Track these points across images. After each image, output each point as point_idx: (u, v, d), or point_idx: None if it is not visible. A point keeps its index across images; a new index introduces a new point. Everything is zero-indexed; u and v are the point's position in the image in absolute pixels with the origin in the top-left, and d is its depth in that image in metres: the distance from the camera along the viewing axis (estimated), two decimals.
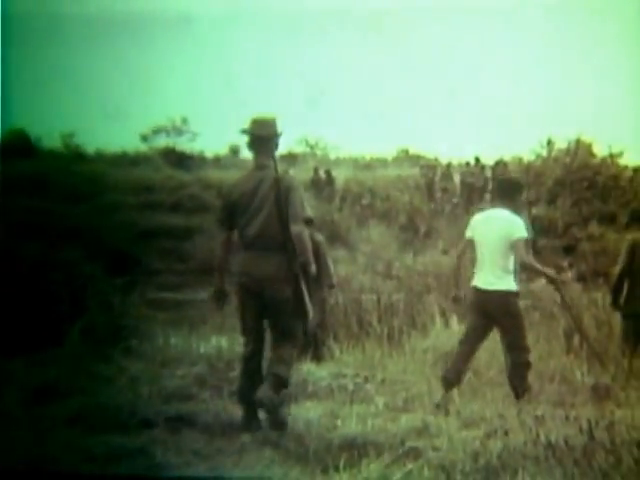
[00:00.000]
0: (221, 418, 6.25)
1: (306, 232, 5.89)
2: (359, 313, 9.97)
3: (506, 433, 5.49)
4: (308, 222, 5.95)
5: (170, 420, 6.18)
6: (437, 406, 6.60)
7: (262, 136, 6.05)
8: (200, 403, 6.73)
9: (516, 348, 6.77)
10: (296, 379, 7.27)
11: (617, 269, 8.10)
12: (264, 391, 5.93)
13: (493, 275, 6.75)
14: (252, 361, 6.13)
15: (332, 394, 7.02)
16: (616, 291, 8.17)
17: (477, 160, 19.77)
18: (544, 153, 19.59)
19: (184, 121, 19.67)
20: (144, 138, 19.79)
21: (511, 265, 6.78)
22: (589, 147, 19.14)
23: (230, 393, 6.80)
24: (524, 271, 7.28)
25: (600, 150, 18.91)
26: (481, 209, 7.42)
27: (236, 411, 6.30)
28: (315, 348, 8.66)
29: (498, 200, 7.04)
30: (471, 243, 6.92)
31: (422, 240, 15.82)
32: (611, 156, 18.87)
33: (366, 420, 6.28)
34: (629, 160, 19.09)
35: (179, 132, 19.79)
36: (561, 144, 19.28)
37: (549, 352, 7.97)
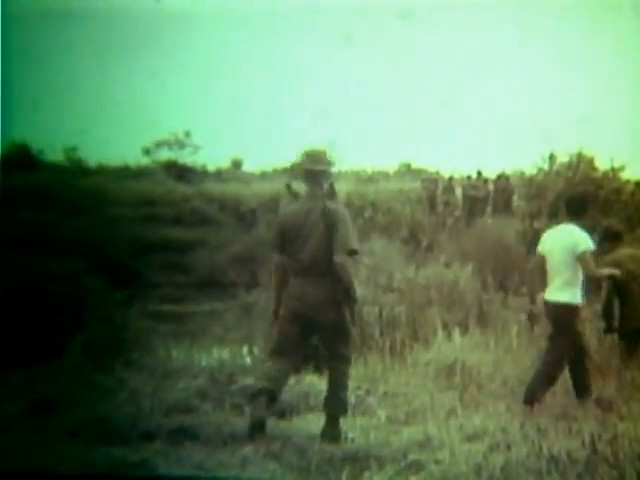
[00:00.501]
0: (223, 431, 6.23)
1: (349, 262, 6.12)
2: (361, 326, 9.92)
3: (509, 446, 5.47)
4: (352, 253, 6.17)
5: (171, 433, 6.17)
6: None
7: (314, 170, 6.31)
8: (202, 415, 6.72)
9: (577, 358, 7.01)
10: (298, 391, 7.27)
11: (603, 294, 8.04)
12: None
13: (558, 288, 6.95)
14: (284, 379, 6.30)
15: None
16: (607, 316, 8.08)
17: (479, 174, 19.78)
18: (546, 167, 19.57)
19: (186, 134, 19.69)
20: (146, 151, 19.81)
21: (578, 278, 6.95)
22: (591, 161, 19.10)
23: (232, 406, 6.78)
24: (590, 282, 7.39)
25: (602, 164, 18.89)
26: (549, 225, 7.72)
27: (238, 423, 6.28)
28: (317, 360, 8.63)
29: (567, 215, 7.20)
30: (542, 258, 7.11)
31: (424, 253, 15.78)
32: (613, 170, 18.83)
33: (368, 433, 6.27)
34: (631, 174, 19.09)
35: (181, 145, 19.82)
36: (563, 158, 19.25)
37: None
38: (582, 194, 8.14)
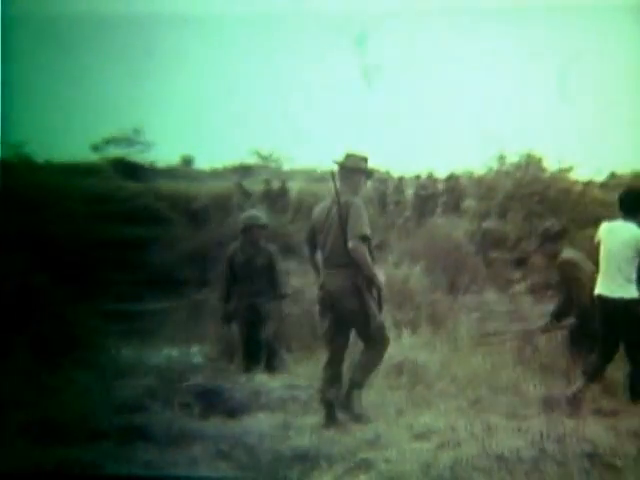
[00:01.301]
0: (172, 430, 6.20)
1: (363, 248, 6.43)
2: (312, 324, 9.96)
3: (457, 445, 5.52)
4: (364, 239, 6.46)
5: (121, 432, 6.13)
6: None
7: (353, 169, 6.70)
8: (151, 414, 6.68)
9: (634, 353, 7.10)
10: (248, 390, 7.26)
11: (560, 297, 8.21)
12: (332, 393, 6.58)
13: (615, 283, 7.06)
14: (330, 367, 6.70)
15: (285, 405, 7.01)
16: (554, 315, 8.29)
17: (429, 174, 19.89)
18: (495, 167, 19.75)
19: (136, 132, 19.50)
20: (95, 148, 19.58)
21: (634, 274, 7.06)
22: (539, 162, 19.30)
23: (181, 404, 6.76)
24: None
25: (550, 165, 19.12)
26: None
27: (187, 423, 6.27)
28: (268, 359, 8.64)
29: (623, 211, 7.29)
30: (599, 247, 7.23)
31: (374, 252, 15.85)
32: (561, 171, 19.07)
33: (318, 432, 6.28)
34: (579, 175, 19.35)
35: (131, 142, 19.63)
36: (512, 158, 19.44)
37: (501, 364, 8.01)
38: (637, 190, 7.98)
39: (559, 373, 7.73)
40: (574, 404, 6.89)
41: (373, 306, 6.57)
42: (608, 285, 7.11)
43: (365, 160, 6.86)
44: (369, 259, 6.50)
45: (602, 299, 7.15)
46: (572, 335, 8.07)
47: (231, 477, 5.50)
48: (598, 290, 7.20)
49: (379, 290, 6.61)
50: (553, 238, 8.10)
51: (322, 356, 8.72)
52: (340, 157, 6.86)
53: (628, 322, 7.04)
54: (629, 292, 7.04)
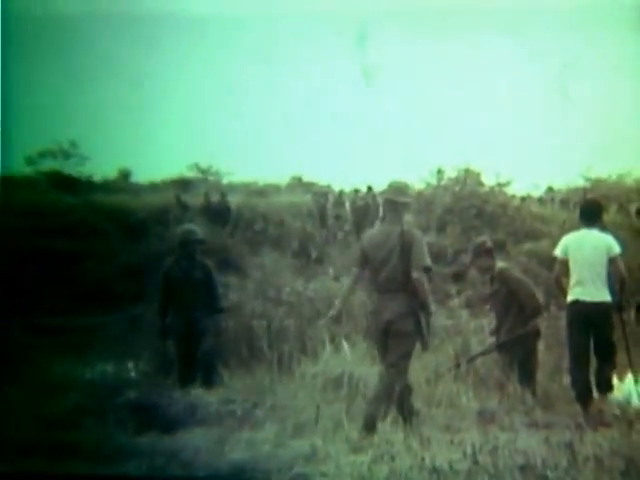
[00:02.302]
0: (105, 446, 6.10)
1: (424, 278, 6.91)
2: (249, 339, 9.92)
3: (393, 458, 5.51)
4: (427, 270, 6.95)
5: (51, 448, 6.00)
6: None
7: (397, 201, 7.07)
8: (84, 431, 6.56)
9: (607, 353, 7.62)
10: (184, 405, 7.18)
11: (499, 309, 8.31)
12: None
13: (595, 288, 7.52)
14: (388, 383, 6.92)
15: (221, 420, 6.94)
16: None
17: (369, 189, 20.00)
18: (434, 182, 19.94)
19: (72, 144, 19.29)
20: (30, 161, 19.32)
21: (605, 279, 7.53)
22: (478, 176, 19.57)
23: (115, 421, 6.65)
24: (622, 285, 7.80)
25: (488, 179, 19.38)
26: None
27: (120, 439, 6.16)
28: (205, 374, 8.56)
29: (584, 221, 7.80)
30: (565, 262, 7.69)
31: (313, 266, 15.86)
32: (499, 185, 19.34)
33: (255, 446, 6.23)
34: (516, 189, 19.65)
35: (66, 155, 19.40)
36: (450, 173, 19.66)
37: (436, 377, 8.03)
38: (595, 201, 8.70)
39: (494, 386, 7.78)
40: (597, 420, 7.06)
41: (425, 330, 6.98)
42: (588, 290, 7.55)
43: (406, 190, 7.43)
44: (429, 288, 6.97)
45: (580, 304, 7.57)
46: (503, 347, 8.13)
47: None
48: (575, 296, 7.62)
49: (428, 315, 6.99)
50: (487, 252, 8.18)
51: (257, 371, 8.75)
52: (384, 186, 7.47)
53: (603, 323, 7.56)
54: (606, 296, 7.55)
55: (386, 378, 6.92)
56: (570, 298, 7.65)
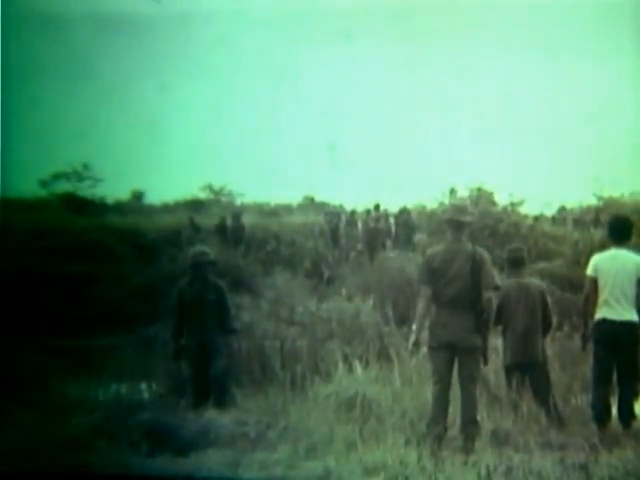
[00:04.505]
0: (119, 468, 6.09)
1: (494, 297, 7.23)
2: (262, 359, 9.90)
3: (406, 479, 5.48)
4: (496, 289, 7.29)
5: (65, 470, 6.00)
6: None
7: (460, 221, 7.28)
8: (97, 453, 6.55)
9: (630, 376, 7.55)
10: (197, 427, 7.16)
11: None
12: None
13: (623, 307, 7.52)
14: (440, 398, 7.10)
15: (234, 441, 6.92)
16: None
17: (377, 207, 20.00)
18: (447, 201, 19.91)
19: (85, 167, 19.38)
20: (43, 184, 19.42)
21: (633, 299, 7.54)
22: (490, 196, 19.53)
23: (128, 442, 6.64)
24: None
25: (501, 199, 19.34)
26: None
27: (134, 461, 6.16)
28: (218, 395, 8.54)
29: (614, 239, 7.78)
30: (595, 282, 7.62)
31: (326, 286, 15.84)
32: (512, 204, 19.29)
33: (268, 468, 6.21)
34: (529, 209, 19.60)
35: (80, 178, 19.49)
36: (463, 192, 19.62)
37: (450, 398, 7.99)
38: (625, 218, 8.33)
39: (508, 406, 7.74)
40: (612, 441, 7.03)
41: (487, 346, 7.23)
42: (615, 309, 7.52)
43: (467, 209, 7.66)
44: (495, 307, 7.31)
45: (607, 322, 7.53)
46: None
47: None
48: (602, 314, 7.57)
49: (489, 332, 7.27)
50: (517, 263, 8.32)
51: (270, 391, 8.72)
52: (446, 208, 7.52)
53: (629, 342, 7.49)
54: (634, 315, 7.51)
55: (469, 390, 7.11)
56: (597, 316, 7.61)
